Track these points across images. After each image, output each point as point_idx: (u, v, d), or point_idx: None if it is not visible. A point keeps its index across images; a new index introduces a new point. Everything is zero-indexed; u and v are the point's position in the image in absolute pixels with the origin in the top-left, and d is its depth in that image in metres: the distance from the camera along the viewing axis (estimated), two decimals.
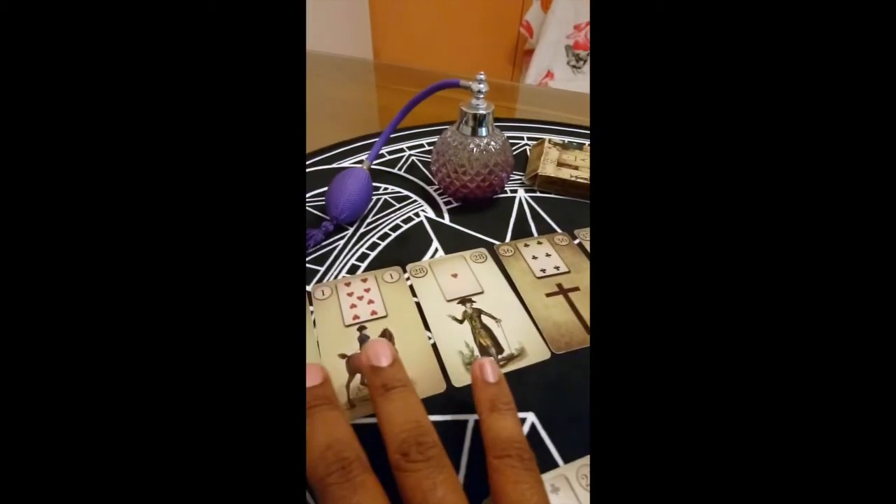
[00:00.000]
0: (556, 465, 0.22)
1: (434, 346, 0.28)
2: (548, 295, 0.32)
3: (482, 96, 0.36)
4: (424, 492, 0.17)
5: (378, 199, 0.40)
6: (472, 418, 0.25)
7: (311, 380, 0.20)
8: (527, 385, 0.26)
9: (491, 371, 0.22)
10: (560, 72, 1.60)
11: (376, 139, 0.49)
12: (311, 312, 0.30)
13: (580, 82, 1.56)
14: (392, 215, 0.38)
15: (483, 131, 0.37)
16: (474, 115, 0.36)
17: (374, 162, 0.45)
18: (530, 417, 0.25)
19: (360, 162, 0.45)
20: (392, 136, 0.50)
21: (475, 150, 0.37)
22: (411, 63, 0.74)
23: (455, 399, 0.26)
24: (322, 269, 0.33)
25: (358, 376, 0.27)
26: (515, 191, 0.42)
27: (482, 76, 0.35)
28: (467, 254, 0.35)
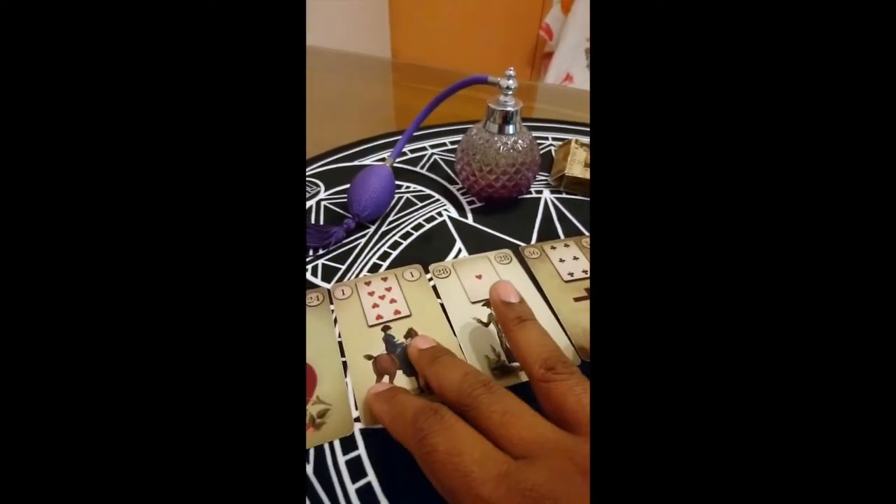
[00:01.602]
0: None
1: (460, 348, 0.27)
2: (576, 300, 0.31)
3: (511, 93, 0.34)
4: (578, 395, 0.19)
5: (400, 198, 0.39)
6: None
7: (427, 343, 0.24)
8: None
9: (511, 291, 0.25)
10: (579, 74, 1.59)
11: (398, 137, 0.48)
12: (332, 311, 0.29)
13: None
14: (414, 214, 0.38)
15: (510, 129, 0.36)
16: (502, 113, 0.35)
17: (396, 160, 0.44)
18: None
19: (383, 160, 0.44)
20: (414, 134, 0.49)
21: (502, 148, 0.35)
22: (429, 63, 0.74)
23: None
24: (343, 268, 0.32)
25: (386, 378, 0.26)
26: (541, 192, 0.41)
27: (511, 72, 0.34)
28: (492, 255, 0.34)
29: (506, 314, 0.24)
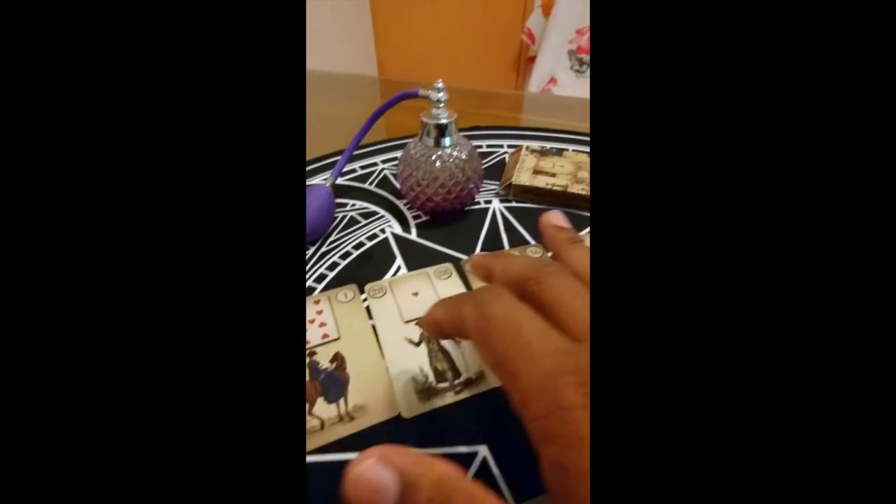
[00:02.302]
0: None
1: (387, 370, 0.27)
2: None
3: (442, 105, 0.34)
4: None
5: (344, 217, 0.39)
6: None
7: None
8: (482, 414, 0.24)
9: (563, 219, 0.25)
10: (563, 77, 1.58)
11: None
12: None
13: (584, 87, 1.54)
14: (356, 232, 0.37)
15: (446, 141, 0.35)
16: (436, 126, 0.34)
17: (346, 178, 0.44)
18: (482, 451, 0.23)
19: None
20: (365, 150, 0.49)
21: (438, 162, 0.35)
22: (416, 77, 0.73)
23: (407, 431, 0.24)
24: None
25: (320, 400, 0.25)
26: (490, 201, 0.40)
27: (440, 84, 0.34)
28: (431, 270, 0.33)
29: (557, 235, 0.24)
